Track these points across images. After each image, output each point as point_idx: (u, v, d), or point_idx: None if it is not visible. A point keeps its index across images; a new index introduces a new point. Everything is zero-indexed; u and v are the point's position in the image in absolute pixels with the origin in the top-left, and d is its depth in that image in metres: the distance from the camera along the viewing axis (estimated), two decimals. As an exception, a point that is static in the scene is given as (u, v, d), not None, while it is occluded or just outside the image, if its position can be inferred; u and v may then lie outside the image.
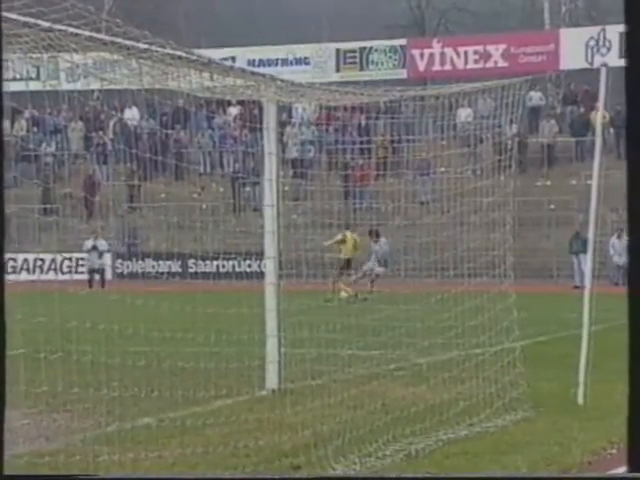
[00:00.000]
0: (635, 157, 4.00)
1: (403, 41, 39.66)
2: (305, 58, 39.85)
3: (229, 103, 34.55)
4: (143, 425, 8.30)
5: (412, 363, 11.13)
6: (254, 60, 39.03)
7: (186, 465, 6.91)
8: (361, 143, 29.25)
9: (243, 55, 38.97)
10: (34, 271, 33.12)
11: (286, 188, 20.03)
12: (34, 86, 34.98)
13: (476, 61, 37.52)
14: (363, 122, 31.06)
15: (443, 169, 20.18)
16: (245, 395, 9.79)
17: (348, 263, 24.49)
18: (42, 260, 33.56)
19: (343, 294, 23.48)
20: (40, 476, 5.90)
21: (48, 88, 29.13)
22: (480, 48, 37.56)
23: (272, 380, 10.26)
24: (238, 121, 36.65)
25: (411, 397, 9.36)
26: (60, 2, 7.36)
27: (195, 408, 8.93)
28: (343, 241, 24.37)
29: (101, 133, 37.79)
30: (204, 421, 8.30)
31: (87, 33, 7.86)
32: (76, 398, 9.11)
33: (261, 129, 10.99)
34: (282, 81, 11.05)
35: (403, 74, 38.54)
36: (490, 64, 36.90)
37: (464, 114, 30.73)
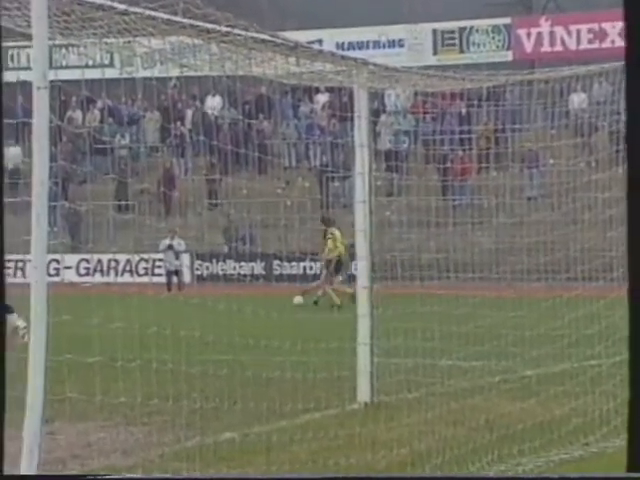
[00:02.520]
0: (635, 156, 3.99)
1: (507, 20, 39.30)
2: (399, 40, 39.74)
3: (317, 90, 34.59)
4: (226, 440, 8.37)
5: (519, 375, 11.02)
6: (343, 43, 39.06)
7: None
8: (461, 133, 29.08)
9: (331, 38, 39.02)
10: (108, 273, 33.63)
11: (379, 183, 20.01)
12: (108, 74, 35.59)
13: (590, 41, 36.98)
14: (463, 110, 30.84)
15: (553, 161, 19.92)
16: (335, 408, 9.81)
17: (338, 263, 24.27)
18: (116, 261, 34.04)
19: (335, 299, 23.16)
20: (40, 476, 5.99)
21: (124, 76, 29.55)
22: (595, 26, 37.01)
23: (364, 392, 10.25)
24: (326, 110, 36.72)
25: (518, 413, 9.28)
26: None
27: (281, 422, 8.98)
28: (333, 240, 24.08)
29: (179, 124, 38.15)
30: (291, 436, 8.34)
31: (165, 16, 7.95)
32: (155, 410, 9.23)
33: (351, 118, 11.00)
34: (375, 65, 11.05)
35: (508, 56, 38.18)
36: (606, 44, 36.33)
37: (577, 100, 30.30)
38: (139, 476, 6.01)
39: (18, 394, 5.86)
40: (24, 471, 5.57)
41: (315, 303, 23.39)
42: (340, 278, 24.13)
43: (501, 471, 7.49)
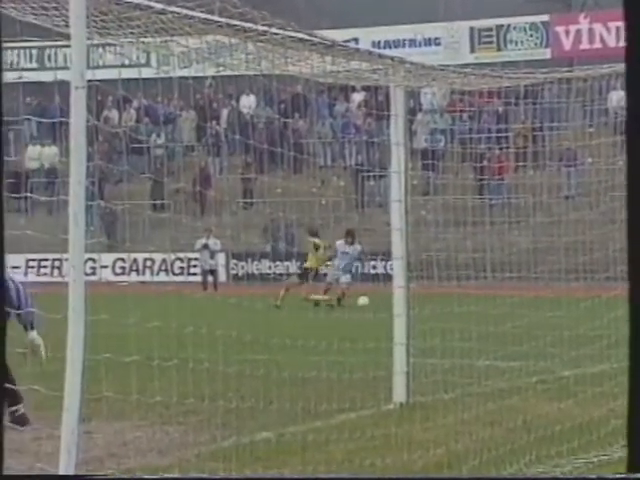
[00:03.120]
0: (635, 156, 3.97)
1: (546, 17, 39.10)
2: (435, 39, 39.65)
3: (352, 89, 34.59)
4: (262, 440, 8.39)
5: (557, 376, 10.97)
6: (379, 41, 39.03)
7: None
8: (498, 131, 28.97)
9: (367, 36, 39.00)
10: (144, 272, 33.80)
11: (415, 182, 19.96)
12: (145, 73, 35.72)
13: (629, 38, 36.66)
14: (500, 108, 30.74)
15: (591, 160, 19.78)
16: (370, 409, 9.80)
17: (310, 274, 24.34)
18: (152, 260, 34.19)
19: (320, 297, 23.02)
20: (40, 476, 6.00)
21: (162, 75, 29.63)
22: (633, 23, 36.69)
23: (400, 393, 10.24)
24: (362, 108, 36.69)
25: (556, 414, 9.23)
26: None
27: (317, 422, 8.99)
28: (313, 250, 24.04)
29: (214, 123, 38.25)
30: (327, 436, 8.34)
31: (202, 15, 7.97)
32: (191, 409, 9.28)
33: (387, 117, 10.97)
34: (412, 64, 11.02)
35: (546, 54, 38.00)
36: (645, 41, 35.99)
37: (616, 98, 30.08)
38: (139, 476, 5.99)
39: (56, 393, 5.90)
40: (62, 470, 5.60)
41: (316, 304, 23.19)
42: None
43: (539, 472, 7.46)
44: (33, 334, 8.65)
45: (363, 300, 23.05)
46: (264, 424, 8.84)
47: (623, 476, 5.44)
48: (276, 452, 7.93)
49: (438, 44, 39.53)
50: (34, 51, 41.03)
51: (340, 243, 25.08)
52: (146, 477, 6.09)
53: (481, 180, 28.16)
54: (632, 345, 4.11)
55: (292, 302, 22.09)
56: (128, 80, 33.04)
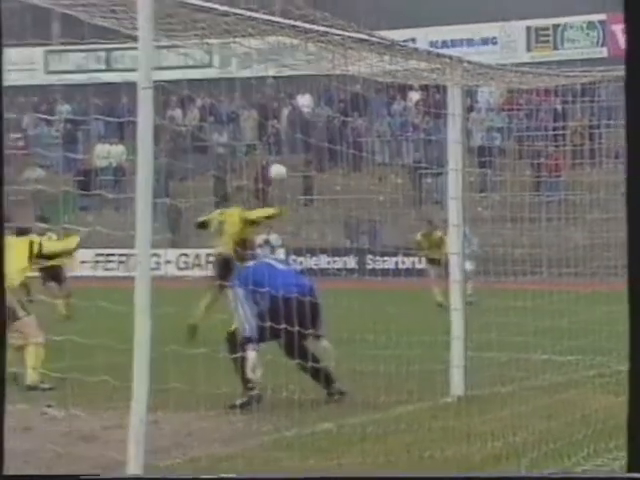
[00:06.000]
0: (635, 155, 3.93)
1: (603, 16, 38.67)
2: (492, 38, 39.41)
3: (410, 88, 34.51)
4: (322, 430, 8.40)
5: (614, 370, 10.85)
6: (436, 41, 38.88)
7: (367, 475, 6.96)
8: (554, 129, 28.70)
9: (425, 36, 38.87)
10: (207, 267, 33.95)
11: (471, 179, 19.84)
12: (208, 73, 35.88)
13: (684, 36, 36.19)
14: (557, 106, 30.45)
15: (647, 157, 19.46)
16: (428, 401, 9.77)
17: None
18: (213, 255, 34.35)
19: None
20: (40, 476, 6.01)
21: (226, 75, 29.78)
22: (691, 21, 36.19)
23: (457, 386, 10.20)
24: (419, 107, 36.57)
25: (613, 407, 9.13)
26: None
27: (376, 414, 8.98)
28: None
29: (275, 121, 38.37)
30: (385, 428, 8.34)
31: (264, 17, 7.99)
32: (255, 396, 9.33)
33: (444, 115, 10.92)
34: (469, 63, 10.96)
35: (603, 52, 37.60)
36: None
37: (671, 95, 29.69)
38: (139, 476, 5.98)
39: (125, 384, 5.96)
40: (131, 459, 5.65)
41: None
42: None
43: (597, 465, 7.39)
44: None
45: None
46: (325, 415, 8.86)
47: (623, 476, 5.32)
48: (336, 442, 7.94)
49: (495, 43, 39.27)
50: (102, 53, 41.39)
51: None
52: (146, 477, 6.04)
53: (538, 177, 27.91)
54: (632, 344, 4.01)
55: (349, 296, 22.06)
56: (192, 80, 33.36)
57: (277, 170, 19.39)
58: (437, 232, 22.60)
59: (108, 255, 34.00)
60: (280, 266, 10.73)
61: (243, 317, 9.40)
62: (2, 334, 4.55)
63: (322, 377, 9.56)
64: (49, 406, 9.40)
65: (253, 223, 16.86)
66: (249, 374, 9.31)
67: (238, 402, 9.28)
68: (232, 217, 16.59)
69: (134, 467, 5.65)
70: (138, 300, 5.92)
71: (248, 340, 9.34)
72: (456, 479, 6.15)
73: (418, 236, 24.00)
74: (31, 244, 12.44)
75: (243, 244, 10.41)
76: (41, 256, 12.75)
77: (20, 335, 11.60)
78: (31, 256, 12.36)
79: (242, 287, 9.48)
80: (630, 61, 3.88)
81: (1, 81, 4.63)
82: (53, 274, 18.26)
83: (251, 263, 9.91)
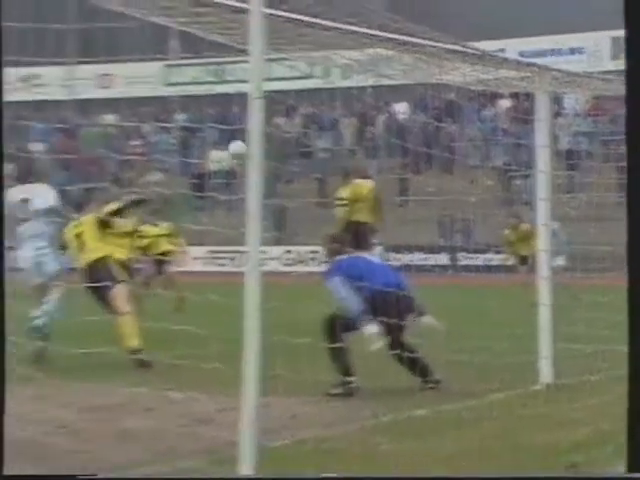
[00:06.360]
0: (635, 156, 3.80)
1: (684, 25, 37.73)
2: (579, 48, 38.77)
3: (500, 96, 34.16)
4: (419, 416, 8.35)
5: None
6: (525, 52, 38.39)
7: (463, 459, 6.88)
8: (639, 133, 28.05)
9: (514, 47, 38.41)
10: (309, 263, 34.11)
11: (559, 181, 19.55)
12: (310, 84, 36.00)
13: None
14: (641, 111, 29.77)
15: None
16: (519, 389, 9.64)
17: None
18: (316, 252, 34.50)
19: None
20: (40, 476, 5.90)
21: (327, 85, 29.85)
22: None
23: (546, 374, 10.05)
24: (509, 113, 36.17)
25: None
26: (338, 4, 7.52)
27: (470, 401, 8.90)
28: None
29: (372, 128, 38.37)
30: (479, 414, 8.25)
31: (364, 30, 7.97)
32: (354, 387, 9.33)
33: (532, 121, 10.79)
34: (557, 71, 10.80)
35: (684, 60, 36.66)
36: None
37: None
38: (139, 476, 5.90)
39: (237, 372, 6.00)
40: (243, 439, 5.67)
41: None
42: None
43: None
44: None
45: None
46: (420, 403, 8.80)
47: (623, 476, 5.11)
48: (432, 428, 7.88)
49: (582, 53, 38.63)
50: (216, 67, 41.88)
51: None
52: (145, 477, 5.96)
53: (622, 179, 27.32)
54: (632, 343, 3.85)
55: (442, 291, 21.95)
56: (295, 91, 33.59)
57: (234, 147, 19.81)
58: (524, 225, 22.20)
59: (219, 252, 34.40)
60: (375, 260, 10.69)
61: (348, 299, 9.32)
62: (1, 331, 4.38)
63: (418, 368, 9.48)
64: (169, 389, 9.53)
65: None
66: (371, 347, 9.21)
67: (337, 390, 9.25)
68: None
69: (246, 448, 5.68)
70: (249, 293, 5.94)
71: (359, 316, 9.23)
72: (456, 479, 5.92)
73: (506, 231, 23.67)
74: (134, 230, 12.59)
75: (338, 239, 10.35)
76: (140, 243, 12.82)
77: (110, 307, 11.64)
78: (131, 240, 12.47)
79: (340, 276, 9.44)
80: (630, 61, 3.75)
81: (1, 85, 4.64)
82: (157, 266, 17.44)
83: (345, 256, 9.86)
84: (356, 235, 14.21)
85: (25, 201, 12.03)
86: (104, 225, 12.11)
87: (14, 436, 5.88)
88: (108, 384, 9.87)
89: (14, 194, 11.89)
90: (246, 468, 5.60)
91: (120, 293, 11.69)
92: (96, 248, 12.01)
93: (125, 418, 8.39)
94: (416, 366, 9.47)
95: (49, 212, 12.28)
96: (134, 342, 11.38)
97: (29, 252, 11.99)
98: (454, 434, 7.59)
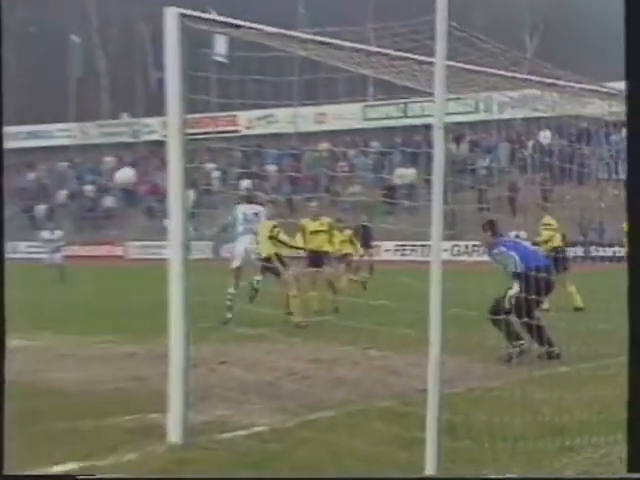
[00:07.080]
0: (635, 155, 3.29)
1: None
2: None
3: (624, 124, 32.52)
4: (563, 372, 8.02)
5: None
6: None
7: (602, 403, 6.53)
8: None
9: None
10: (472, 254, 33.95)
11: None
12: (473, 117, 35.46)
13: None
14: None
15: None
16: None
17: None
18: (477, 246, 34.14)
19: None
20: (40, 476, 5.02)
21: (488, 117, 29.28)
22: None
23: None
24: (632, 137, 34.38)
25: None
26: (498, 54, 7.31)
27: (604, 361, 8.46)
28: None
29: (523, 150, 37.69)
30: (615, 371, 7.82)
31: (520, 76, 7.76)
32: (525, 347, 9.00)
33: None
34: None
35: None
36: None
37: None
38: (140, 476, 5.14)
39: (420, 336, 5.91)
40: (430, 386, 5.54)
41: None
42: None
43: None
44: None
45: None
46: (565, 361, 8.40)
47: (623, 476, 4.37)
48: (575, 380, 7.51)
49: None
50: (400, 105, 42.14)
51: None
52: (145, 477, 5.09)
53: None
54: (632, 343, 3.40)
55: (581, 278, 21.07)
56: (463, 122, 33.38)
57: (120, 175, 20.47)
58: None
59: (404, 246, 34.80)
60: (527, 243, 10.51)
61: (514, 257, 9.08)
62: (2, 334, 3.82)
63: (545, 338, 9.09)
64: (369, 348, 9.55)
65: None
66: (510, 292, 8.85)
67: (512, 350, 8.93)
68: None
69: (431, 394, 5.56)
70: (433, 276, 5.85)
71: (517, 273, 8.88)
72: (456, 479, 5.35)
73: (624, 226, 22.50)
74: (273, 227, 13.15)
75: (493, 223, 10.01)
76: (278, 241, 13.24)
77: (284, 287, 12.39)
78: (271, 236, 12.94)
79: (509, 250, 9.20)
80: (630, 62, 3.36)
81: (1, 86, 4.31)
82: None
83: (501, 240, 9.60)
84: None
85: (256, 214, 12.96)
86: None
87: (245, 379, 5.97)
88: (326, 344, 9.99)
89: (245, 209, 12.92)
90: (431, 409, 5.49)
91: (288, 278, 12.41)
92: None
93: (337, 369, 8.45)
94: (542, 337, 9.09)
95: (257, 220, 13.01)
96: (295, 320, 12.13)
97: (242, 245, 12.72)
98: (592, 386, 7.24)
